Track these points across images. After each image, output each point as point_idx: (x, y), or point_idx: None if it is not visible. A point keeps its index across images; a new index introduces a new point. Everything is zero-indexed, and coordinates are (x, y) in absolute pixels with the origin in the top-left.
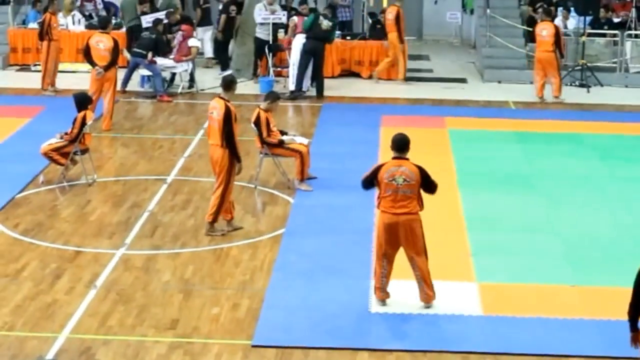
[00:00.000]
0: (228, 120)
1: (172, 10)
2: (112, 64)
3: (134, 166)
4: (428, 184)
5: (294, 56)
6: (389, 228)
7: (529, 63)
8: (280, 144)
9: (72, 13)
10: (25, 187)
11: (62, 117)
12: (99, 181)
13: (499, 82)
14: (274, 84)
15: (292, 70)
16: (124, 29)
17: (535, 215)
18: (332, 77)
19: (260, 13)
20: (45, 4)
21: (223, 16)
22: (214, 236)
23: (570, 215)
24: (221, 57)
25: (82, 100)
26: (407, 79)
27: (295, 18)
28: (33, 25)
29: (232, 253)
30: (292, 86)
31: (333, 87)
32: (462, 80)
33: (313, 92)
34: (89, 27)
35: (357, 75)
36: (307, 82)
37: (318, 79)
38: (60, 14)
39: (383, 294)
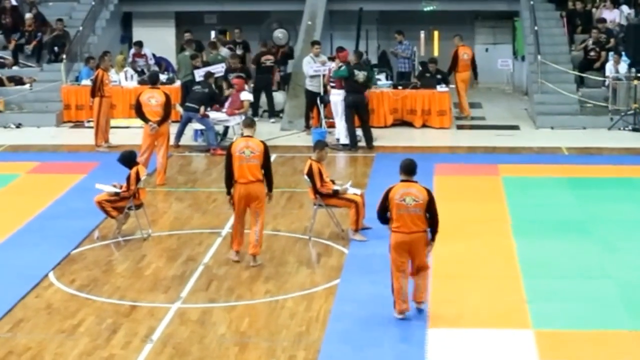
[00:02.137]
0: (269, 155)
1: (235, 54)
2: (165, 118)
3: (188, 220)
4: (432, 209)
5: (334, 110)
6: (403, 245)
7: (581, 108)
8: (335, 194)
9: (125, 69)
10: (80, 243)
11: (116, 173)
12: (154, 235)
13: (552, 128)
14: (327, 135)
15: (339, 124)
16: (177, 84)
17: (591, 260)
18: (385, 126)
19: (310, 66)
20: (98, 61)
21: (253, 67)
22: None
23: (626, 260)
24: (253, 105)
25: (129, 158)
26: (460, 127)
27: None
28: (86, 82)
29: (287, 305)
30: (344, 140)
31: (385, 137)
32: (515, 127)
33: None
34: (141, 82)
35: (409, 124)
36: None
37: (365, 130)
38: (112, 71)
39: (405, 305)
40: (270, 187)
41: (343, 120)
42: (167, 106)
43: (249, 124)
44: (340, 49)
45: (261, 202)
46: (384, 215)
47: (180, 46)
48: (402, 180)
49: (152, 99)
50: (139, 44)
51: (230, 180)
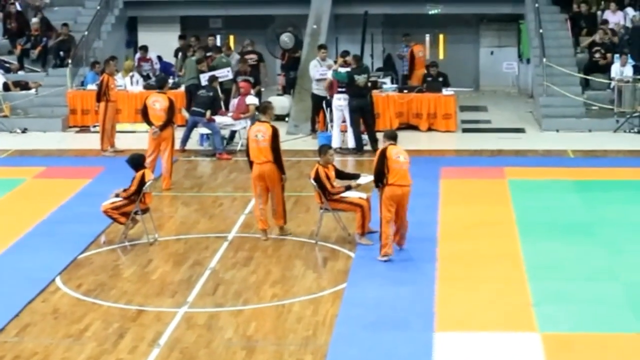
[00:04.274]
0: (277, 137)
1: (242, 57)
2: (168, 123)
3: (194, 224)
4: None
5: (335, 115)
6: (397, 198)
7: (586, 111)
8: (347, 189)
9: (131, 74)
10: (87, 248)
11: (122, 177)
12: (161, 240)
13: (557, 130)
14: (333, 139)
15: (335, 130)
16: (181, 88)
17: (597, 263)
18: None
19: (316, 70)
20: (103, 66)
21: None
22: (287, 237)
23: (632, 262)
24: None
25: (137, 161)
26: (465, 130)
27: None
28: (91, 87)
29: (294, 309)
30: (351, 144)
31: None
32: (521, 130)
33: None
34: (147, 87)
35: (415, 128)
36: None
37: (371, 134)
38: (119, 75)
39: (391, 250)
40: (281, 169)
41: (339, 125)
42: (170, 111)
43: (264, 109)
44: (341, 53)
45: (274, 181)
46: (381, 174)
47: (183, 51)
48: (391, 144)
49: (157, 103)
50: (144, 49)
51: (250, 160)
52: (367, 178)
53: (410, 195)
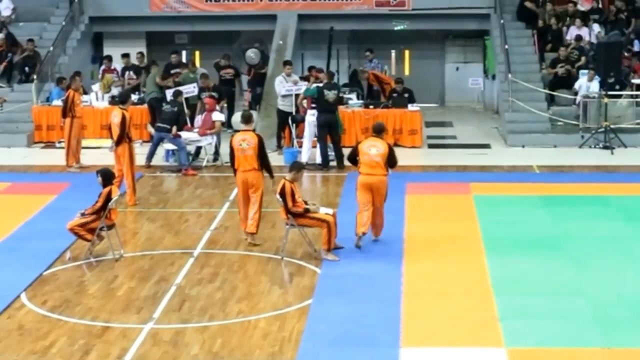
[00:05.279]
0: (262, 145)
1: (205, 73)
2: (121, 138)
3: (160, 240)
4: (392, 158)
5: (307, 129)
6: (367, 186)
7: (552, 126)
8: (306, 212)
9: (110, 90)
10: (52, 264)
11: (87, 193)
12: (126, 256)
13: (523, 146)
14: (298, 155)
15: (306, 144)
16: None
17: (563, 277)
18: None
19: (282, 85)
20: (69, 82)
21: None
22: (257, 245)
23: (598, 277)
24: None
25: (108, 175)
26: (431, 146)
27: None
28: (57, 102)
29: (260, 325)
30: (318, 159)
31: None
32: (486, 146)
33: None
34: (112, 102)
35: None
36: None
37: (337, 150)
38: (96, 88)
39: (363, 229)
40: (270, 173)
41: (310, 140)
42: (122, 126)
43: (247, 119)
44: (316, 69)
45: (256, 188)
46: (355, 162)
47: (146, 67)
48: (372, 136)
49: (115, 117)
50: (109, 58)
51: (234, 167)
52: (326, 209)
53: (386, 186)
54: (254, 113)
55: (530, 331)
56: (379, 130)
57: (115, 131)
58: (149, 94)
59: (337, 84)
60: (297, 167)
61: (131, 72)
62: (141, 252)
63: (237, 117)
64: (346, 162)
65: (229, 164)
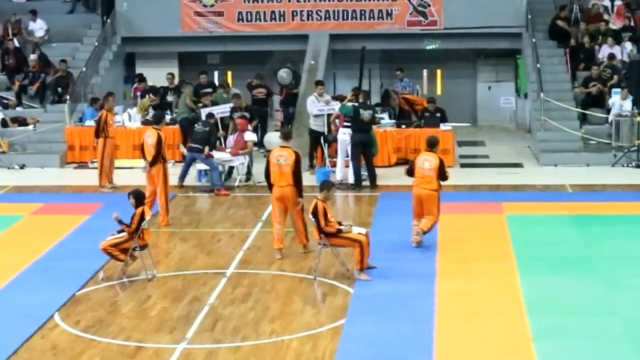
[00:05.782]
0: (299, 163)
1: (237, 93)
2: (156, 158)
3: (193, 260)
4: (442, 171)
5: (340, 148)
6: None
7: (584, 145)
8: (338, 232)
9: (146, 113)
10: (85, 284)
11: (120, 213)
12: (159, 276)
13: (555, 165)
14: (331, 175)
15: (339, 163)
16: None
17: (596, 297)
18: (388, 165)
19: (314, 105)
20: (102, 102)
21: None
22: (311, 252)
23: (631, 297)
24: None
25: (140, 196)
26: (463, 165)
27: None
28: (89, 122)
29: (293, 345)
30: (351, 179)
31: (389, 176)
32: (519, 165)
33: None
34: (145, 122)
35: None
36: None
37: (370, 169)
38: (134, 112)
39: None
40: (300, 193)
41: (343, 159)
42: (158, 146)
43: (286, 135)
44: (358, 89)
45: (293, 203)
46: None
47: (177, 87)
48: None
49: (149, 138)
50: (141, 76)
51: (270, 182)
52: (359, 229)
53: (435, 199)
54: None
55: (563, 352)
56: (432, 144)
57: (150, 151)
58: (180, 114)
59: (372, 105)
60: (327, 186)
61: (151, 95)
62: (174, 272)
63: (269, 137)
64: (383, 182)
65: (261, 184)
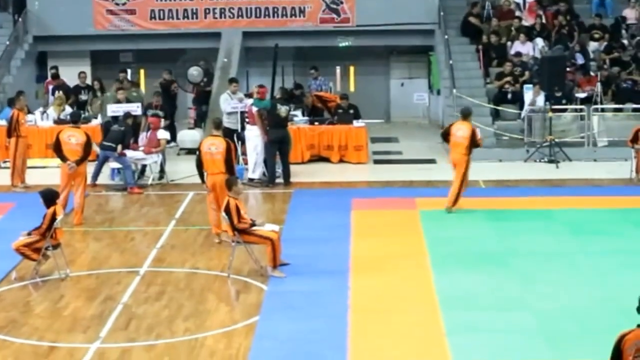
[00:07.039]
0: (230, 151)
1: (158, 91)
2: (84, 158)
3: (106, 259)
4: (473, 139)
5: (249, 145)
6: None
7: (497, 141)
8: (251, 227)
9: (62, 110)
10: None
11: (33, 213)
12: (72, 275)
13: None
14: (244, 172)
15: (252, 160)
16: (92, 123)
17: (509, 292)
18: (302, 162)
19: (228, 103)
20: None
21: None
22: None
23: (544, 291)
24: None
25: (50, 196)
26: (377, 162)
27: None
28: (1, 122)
29: (207, 343)
30: (256, 175)
31: (303, 173)
32: (432, 161)
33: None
34: (59, 122)
35: (326, 160)
36: (261, 169)
37: (284, 166)
38: (50, 109)
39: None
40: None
41: (256, 156)
42: (87, 146)
43: (217, 125)
44: (260, 86)
45: (224, 191)
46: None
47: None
48: (460, 120)
49: (72, 137)
50: (55, 68)
51: (202, 171)
52: (271, 226)
53: (465, 163)
54: (198, 132)
55: (476, 346)
56: (465, 115)
57: (77, 150)
58: (105, 115)
59: (289, 103)
60: (231, 182)
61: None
62: (87, 272)
63: (182, 136)
64: (296, 178)
65: (174, 182)
